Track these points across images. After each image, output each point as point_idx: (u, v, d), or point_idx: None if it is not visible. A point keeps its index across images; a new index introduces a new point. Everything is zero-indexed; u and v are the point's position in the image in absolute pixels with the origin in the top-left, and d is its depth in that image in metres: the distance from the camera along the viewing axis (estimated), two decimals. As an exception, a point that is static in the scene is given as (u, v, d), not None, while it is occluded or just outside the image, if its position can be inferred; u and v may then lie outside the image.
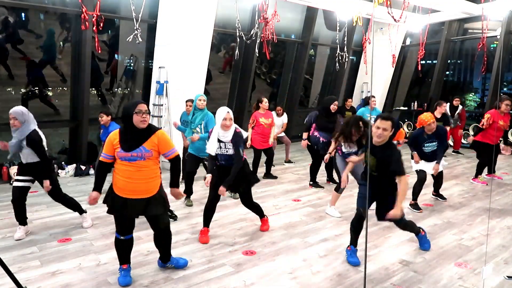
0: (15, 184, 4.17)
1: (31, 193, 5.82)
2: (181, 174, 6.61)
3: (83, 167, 7.02)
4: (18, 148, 4.02)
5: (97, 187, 3.20)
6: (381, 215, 3.53)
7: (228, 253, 3.85)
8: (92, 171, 7.06)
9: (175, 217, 4.72)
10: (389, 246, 4.02)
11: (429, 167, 5.21)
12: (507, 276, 3.35)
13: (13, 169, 6.53)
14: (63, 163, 7.13)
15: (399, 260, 3.72)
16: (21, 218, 4.22)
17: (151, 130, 3.13)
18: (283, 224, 4.66)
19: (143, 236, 4.22)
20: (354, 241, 3.70)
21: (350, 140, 4.60)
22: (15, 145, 4.00)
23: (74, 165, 7.03)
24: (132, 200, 3.09)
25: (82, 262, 3.64)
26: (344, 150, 4.84)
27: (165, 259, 3.48)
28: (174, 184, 3.27)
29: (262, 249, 3.93)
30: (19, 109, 4.03)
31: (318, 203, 5.47)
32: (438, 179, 5.46)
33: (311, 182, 6.38)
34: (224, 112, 3.87)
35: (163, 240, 3.38)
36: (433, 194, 5.71)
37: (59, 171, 6.80)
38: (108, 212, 3.22)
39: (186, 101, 5.97)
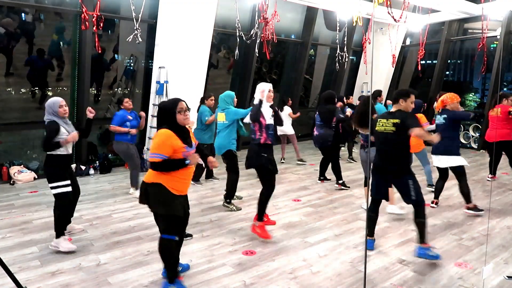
0: (67, 189, 3.89)
1: (31, 193, 5.85)
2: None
3: (83, 167, 7.01)
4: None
5: (184, 157, 3.01)
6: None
7: (228, 253, 3.85)
8: (92, 171, 7.06)
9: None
10: (389, 246, 4.02)
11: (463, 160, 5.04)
12: (507, 276, 3.35)
13: (13, 169, 6.54)
14: None
15: (399, 260, 3.72)
16: (67, 222, 4.11)
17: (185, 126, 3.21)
18: (283, 224, 4.65)
19: (143, 236, 4.22)
20: (371, 232, 3.98)
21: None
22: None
23: (74, 165, 7.02)
24: (185, 196, 3.21)
25: (82, 262, 3.63)
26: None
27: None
28: (207, 155, 3.41)
29: (262, 249, 3.93)
30: None
31: (318, 203, 5.47)
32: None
33: (321, 178, 6.59)
34: (268, 85, 4.34)
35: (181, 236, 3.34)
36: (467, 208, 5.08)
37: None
38: (178, 214, 3.07)
39: (210, 97, 6.11)
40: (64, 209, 3.92)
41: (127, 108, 5.62)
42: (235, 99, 5.36)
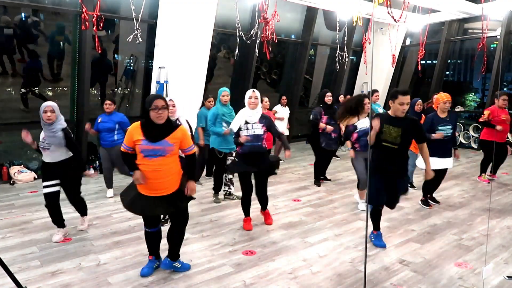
0: (46, 190, 4.02)
1: (31, 193, 5.85)
2: (204, 171, 6.72)
3: (83, 167, 7.01)
4: (58, 142, 3.91)
5: (135, 167, 3.13)
6: (400, 191, 3.94)
7: (228, 253, 3.85)
8: (92, 171, 7.06)
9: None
10: (389, 246, 4.02)
11: (441, 164, 5.01)
12: (507, 276, 3.36)
13: (13, 169, 6.54)
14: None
15: (399, 260, 3.72)
16: (58, 221, 4.15)
17: (171, 124, 3.17)
18: (283, 224, 4.66)
19: (143, 236, 4.21)
20: (377, 227, 4.09)
21: (359, 112, 4.88)
22: (57, 138, 3.88)
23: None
24: (156, 198, 3.15)
25: (82, 262, 3.64)
26: (360, 127, 4.93)
27: (175, 256, 3.43)
28: (191, 177, 3.30)
29: (262, 249, 3.93)
30: (53, 103, 3.94)
31: (318, 203, 5.47)
32: (439, 178, 5.16)
33: (321, 177, 6.53)
34: (249, 92, 4.31)
35: (178, 234, 3.39)
36: (428, 198, 5.35)
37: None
38: (130, 210, 3.30)
39: (208, 98, 6.18)
40: (48, 209, 4.10)
41: (105, 111, 5.58)
42: (223, 96, 5.43)
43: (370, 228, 4.45)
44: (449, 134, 5.00)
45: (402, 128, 3.69)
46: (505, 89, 10.50)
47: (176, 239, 3.38)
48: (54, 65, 7.43)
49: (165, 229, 4.28)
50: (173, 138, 3.11)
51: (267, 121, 4.32)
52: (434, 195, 5.47)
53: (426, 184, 5.20)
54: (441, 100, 5.02)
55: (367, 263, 2.44)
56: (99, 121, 5.57)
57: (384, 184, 3.82)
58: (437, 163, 4.95)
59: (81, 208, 4.40)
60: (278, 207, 5.27)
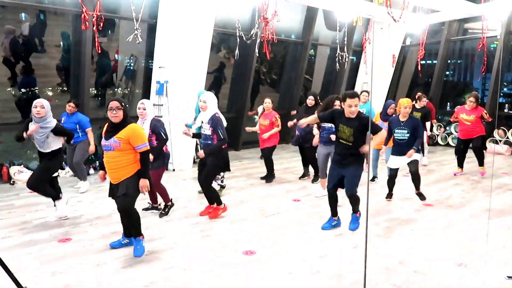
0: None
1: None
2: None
3: (83, 167, 7.01)
4: (42, 140, 4.29)
5: (102, 167, 3.86)
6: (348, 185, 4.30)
7: (228, 253, 3.85)
8: (92, 171, 7.06)
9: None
10: (389, 246, 4.02)
11: (400, 162, 5.20)
12: (507, 276, 3.35)
13: (13, 169, 6.54)
14: (63, 163, 7.11)
15: (399, 260, 3.72)
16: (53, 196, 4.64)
17: (125, 124, 3.55)
18: (283, 224, 4.66)
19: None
20: (332, 212, 4.54)
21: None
22: (45, 134, 4.25)
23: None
24: (114, 184, 3.69)
25: (82, 262, 3.64)
26: (323, 124, 5.23)
27: (127, 235, 3.91)
28: (141, 175, 3.64)
29: (262, 249, 3.93)
30: (44, 100, 4.31)
31: (318, 203, 5.47)
32: (414, 177, 5.15)
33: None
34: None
35: (124, 220, 3.79)
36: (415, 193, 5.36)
37: (59, 170, 6.78)
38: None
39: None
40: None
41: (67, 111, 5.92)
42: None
43: (370, 228, 4.46)
44: (405, 138, 5.12)
45: (354, 128, 4.07)
46: (505, 89, 10.51)
47: (124, 223, 3.84)
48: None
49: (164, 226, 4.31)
50: (119, 136, 3.51)
51: (213, 123, 4.50)
52: (432, 195, 5.43)
53: (412, 179, 5.25)
54: (402, 105, 5.17)
55: (367, 263, 2.45)
56: (62, 121, 5.82)
57: (337, 173, 4.30)
58: (394, 161, 5.26)
59: (48, 195, 4.66)
60: (278, 207, 5.26)
